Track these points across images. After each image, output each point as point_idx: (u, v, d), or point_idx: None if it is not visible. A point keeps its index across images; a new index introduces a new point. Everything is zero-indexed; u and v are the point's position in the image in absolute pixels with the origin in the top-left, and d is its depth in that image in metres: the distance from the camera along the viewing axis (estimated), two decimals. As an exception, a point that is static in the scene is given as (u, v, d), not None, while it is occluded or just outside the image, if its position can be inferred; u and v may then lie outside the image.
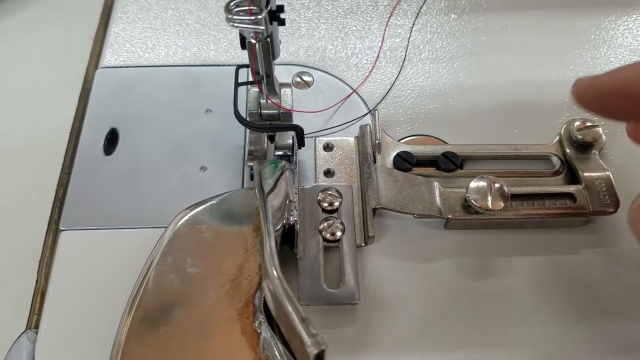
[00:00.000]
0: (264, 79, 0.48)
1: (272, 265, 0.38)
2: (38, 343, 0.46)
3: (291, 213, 0.48)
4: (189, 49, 0.63)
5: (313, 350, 0.33)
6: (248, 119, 0.52)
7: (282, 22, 0.44)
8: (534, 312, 0.47)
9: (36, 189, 0.54)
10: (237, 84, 0.50)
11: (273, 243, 0.40)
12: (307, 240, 0.48)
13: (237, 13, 0.41)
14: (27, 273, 0.49)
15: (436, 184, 0.50)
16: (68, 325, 0.46)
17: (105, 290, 0.47)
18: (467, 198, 0.48)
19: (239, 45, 0.45)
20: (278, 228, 0.45)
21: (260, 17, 0.41)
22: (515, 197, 0.49)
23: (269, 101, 0.51)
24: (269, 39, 0.44)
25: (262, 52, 0.45)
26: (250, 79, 0.50)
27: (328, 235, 0.48)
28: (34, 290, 0.49)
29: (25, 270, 0.50)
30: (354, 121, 0.57)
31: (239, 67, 0.51)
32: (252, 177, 0.52)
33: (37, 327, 0.47)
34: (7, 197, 0.54)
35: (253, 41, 0.44)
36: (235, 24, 0.42)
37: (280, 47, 0.48)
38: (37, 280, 0.49)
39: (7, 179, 0.55)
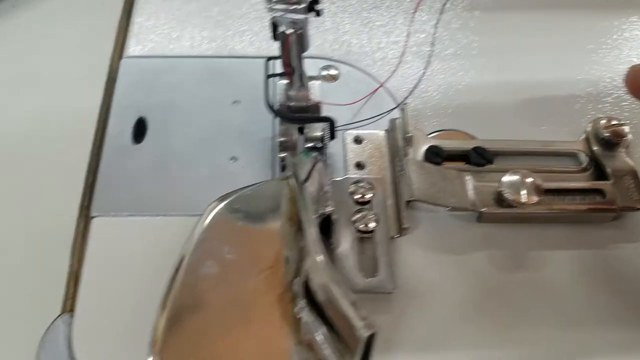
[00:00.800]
0: (296, 71, 0.48)
1: (317, 251, 0.38)
2: (74, 326, 0.45)
3: (326, 204, 0.48)
4: (214, 41, 0.63)
5: (364, 334, 0.33)
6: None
7: (318, 13, 0.44)
8: (565, 306, 0.47)
9: (66, 176, 0.54)
10: (268, 76, 0.50)
11: (316, 229, 0.40)
12: (341, 230, 0.48)
13: (278, 2, 0.41)
14: (61, 257, 0.49)
15: (468, 177, 0.50)
16: (103, 308, 0.46)
17: (139, 275, 0.47)
18: (501, 192, 0.48)
19: (266, 38, 0.45)
20: (316, 217, 0.44)
21: (301, 6, 0.41)
22: (546, 192, 0.49)
23: (298, 94, 0.51)
24: (301, 30, 0.44)
25: (296, 43, 0.45)
26: (278, 71, 0.50)
27: (362, 226, 0.48)
28: (68, 274, 0.49)
29: (58, 254, 0.49)
30: (383, 115, 0.57)
31: (269, 58, 0.51)
32: (283, 168, 0.52)
33: (72, 310, 0.47)
34: (38, 183, 0.54)
35: (289, 31, 0.44)
36: (275, 13, 0.42)
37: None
38: (70, 265, 0.49)
39: (37, 165, 0.55)
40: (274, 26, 0.44)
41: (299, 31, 0.44)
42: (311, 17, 0.44)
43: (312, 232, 0.40)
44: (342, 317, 0.35)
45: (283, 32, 0.44)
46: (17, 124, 0.58)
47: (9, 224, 0.52)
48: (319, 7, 0.43)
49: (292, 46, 0.46)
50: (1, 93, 0.61)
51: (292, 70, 0.48)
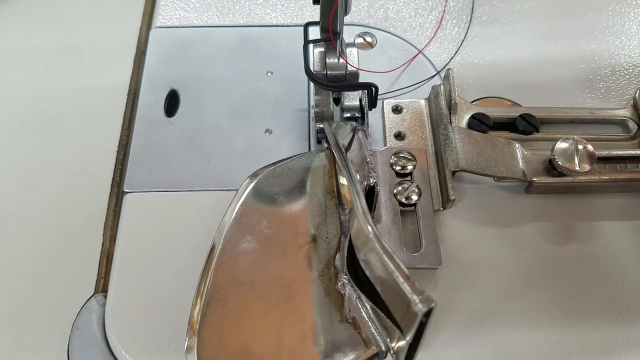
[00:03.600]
0: (337, 36, 0.46)
1: (367, 223, 0.36)
2: (107, 306, 0.44)
3: (370, 175, 0.46)
4: (245, 9, 0.61)
5: (422, 308, 0.31)
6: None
7: None
8: (617, 278, 0.46)
9: (96, 152, 0.52)
10: (307, 41, 0.48)
11: (364, 202, 0.38)
12: (383, 203, 0.47)
13: None
14: (93, 236, 0.48)
15: (518, 145, 0.48)
16: (137, 288, 0.45)
17: (174, 253, 0.46)
18: (553, 160, 0.46)
19: (299, 5, 0.43)
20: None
21: None
22: (598, 160, 0.47)
23: (337, 61, 0.49)
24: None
25: (343, 4, 0.43)
26: (313, 37, 0.48)
27: (403, 199, 0.46)
28: (100, 254, 0.47)
29: (90, 233, 0.48)
30: (423, 83, 0.55)
31: (308, 24, 0.49)
32: (319, 140, 0.50)
33: (105, 290, 0.45)
34: (66, 160, 0.53)
35: None
36: None
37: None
38: (102, 244, 0.48)
39: (65, 141, 0.54)
40: None
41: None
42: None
43: (360, 204, 0.38)
44: (395, 292, 0.33)
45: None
46: (45, 100, 0.57)
47: (40, 203, 0.51)
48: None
49: (340, 7, 0.43)
50: (28, 67, 0.59)
51: (336, 36, 0.46)
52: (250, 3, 0.61)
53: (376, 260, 0.35)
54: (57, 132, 0.55)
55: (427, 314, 0.31)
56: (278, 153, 0.49)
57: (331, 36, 0.46)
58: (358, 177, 0.42)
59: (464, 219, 0.48)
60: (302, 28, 0.49)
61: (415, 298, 0.31)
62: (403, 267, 0.33)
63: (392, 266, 0.33)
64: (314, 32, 0.47)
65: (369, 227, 0.36)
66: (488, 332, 0.43)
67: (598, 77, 0.56)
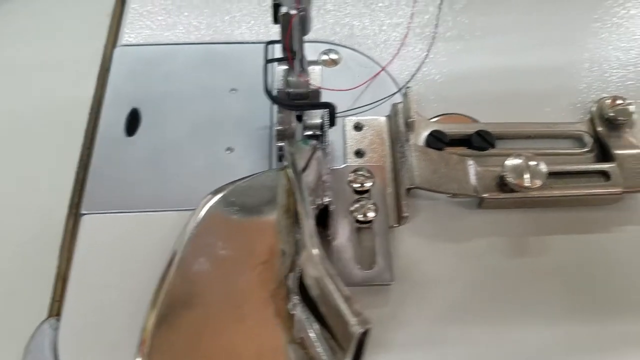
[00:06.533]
0: (296, 56, 0.47)
1: (313, 244, 0.37)
2: (61, 331, 0.44)
3: (325, 193, 0.47)
4: (212, 27, 0.62)
5: (358, 329, 0.32)
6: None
7: None
8: (569, 292, 0.46)
9: (56, 171, 0.52)
10: (268, 60, 0.49)
11: (313, 222, 0.39)
12: (339, 221, 0.47)
13: None
14: (49, 259, 0.48)
15: (471, 162, 0.49)
16: (91, 312, 0.45)
17: (130, 276, 0.46)
18: (503, 176, 0.47)
19: (265, 22, 0.44)
20: (313, 208, 0.43)
21: None
22: (549, 175, 0.48)
23: (297, 79, 0.50)
24: (304, 12, 0.42)
25: (299, 25, 0.43)
26: (277, 56, 0.48)
27: (360, 216, 0.47)
28: (56, 277, 0.47)
29: (46, 256, 0.48)
30: (384, 100, 0.55)
31: (268, 42, 0.50)
32: (280, 158, 0.51)
33: (59, 314, 0.46)
34: (25, 179, 0.53)
35: (293, 12, 0.42)
36: None
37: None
38: (58, 266, 0.48)
39: (25, 160, 0.54)
40: (276, 7, 0.42)
41: (302, 12, 0.43)
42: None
43: (308, 225, 0.39)
44: (335, 313, 0.34)
45: (287, 13, 0.42)
46: (5, 118, 0.57)
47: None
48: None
49: (294, 28, 0.44)
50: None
51: (293, 55, 0.47)
52: (216, 20, 0.62)
53: (319, 281, 0.36)
54: (16, 150, 0.55)
55: (364, 335, 0.32)
56: (239, 171, 0.50)
57: (289, 55, 0.46)
58: (311, 197, 0.43)
59: (419, 234, 0.48)
60: None
61: (352, 319, 0.32)
62: (344, 288, 0.34)
63: (332, 287, 0.34)
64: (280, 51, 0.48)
65: (314, 249, 0.36)
66: (440, 347, 0.44)
67: (558, 91, 0.57)
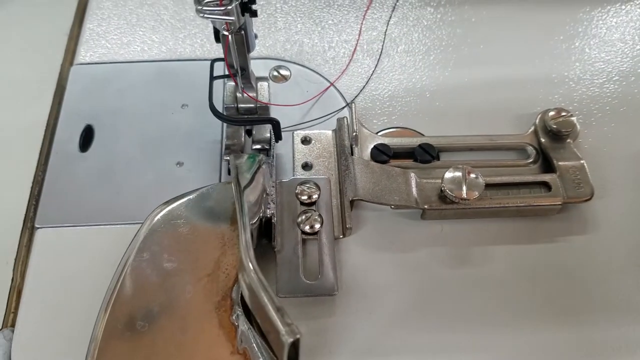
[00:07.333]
0: (239, 73, 0.48)
1: (247, 257, 0.38)
2: (14, 342, 0.45)
3: (268, 206, 0.48)
4: (165, 44, 0.63)
5: (288, 339, 0.33)
6: (225, 113, 0.52)
7: (254, 14, 0.43)
8: (510, 301, 0.48)
9: (12, 187, 0.53)
10: (212, 78, 0.50)
11: (249, 236, 0.40)
12: (286, 233, 0.49)
13: (207, 4, 0.41)
14: (3, 272, 0.49)
15: (412, 175, 0.50)
16: (45, 323, 0.46)
17: (82, 288, 0.47)
18: (442, 188, 0.48)
19: (215, 40, 0.45)
20: (254, 221, 0.45)
21: (230, 7, 0.41)
22: (490, 186, 0.50)
23: (245, 95, 0.51)
24: (242, 32, 0.44)
25: (235, 45, 0.45)
26: (227, 72, 0.50)
27: (306, 227, 0.48)
28: (10, 289, 0.48)
29: (1, 269, 0.49)
30: (332, 114, 0.57)
31: (214, 60, 0.51)
32: (229, 172, 0.52)
33: (13, 325, 0.46)
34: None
35: (225, 33, 0.44)
36: (205, 15, 0.41)
37: (257, 41, 0.47)
38: (12, 279, 0.49)
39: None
40: (215, 29, 0.44)
41: (239, 33, 0.44)
42: (248, 18, 0.44)
43: (243, 238, 0.40)
44: (270, 323, 0.35)
45: (223, 35, 0.44)
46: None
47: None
48: (255, 7, 0.43)
49: (231, 48, 0.46)
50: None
51: (236, 72, 0.48)
52: (171, 37, 0.63)
53: (253, 293, 0.37)
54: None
55: (294, 345, 0.33)
56: (188, 185, 0.50)
57: (229, 71, 0.48)
58: (254, 209, 0.44)
59: (364, 245, 0.50)
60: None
61: (282, 329, 0.34)
62: (275, 299, 0.35)
63: (265, 299, 0.35)
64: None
65: (248, 261, 0.38)
66: (384, 357, 0.45)
67: (503, 104, 0.59)
